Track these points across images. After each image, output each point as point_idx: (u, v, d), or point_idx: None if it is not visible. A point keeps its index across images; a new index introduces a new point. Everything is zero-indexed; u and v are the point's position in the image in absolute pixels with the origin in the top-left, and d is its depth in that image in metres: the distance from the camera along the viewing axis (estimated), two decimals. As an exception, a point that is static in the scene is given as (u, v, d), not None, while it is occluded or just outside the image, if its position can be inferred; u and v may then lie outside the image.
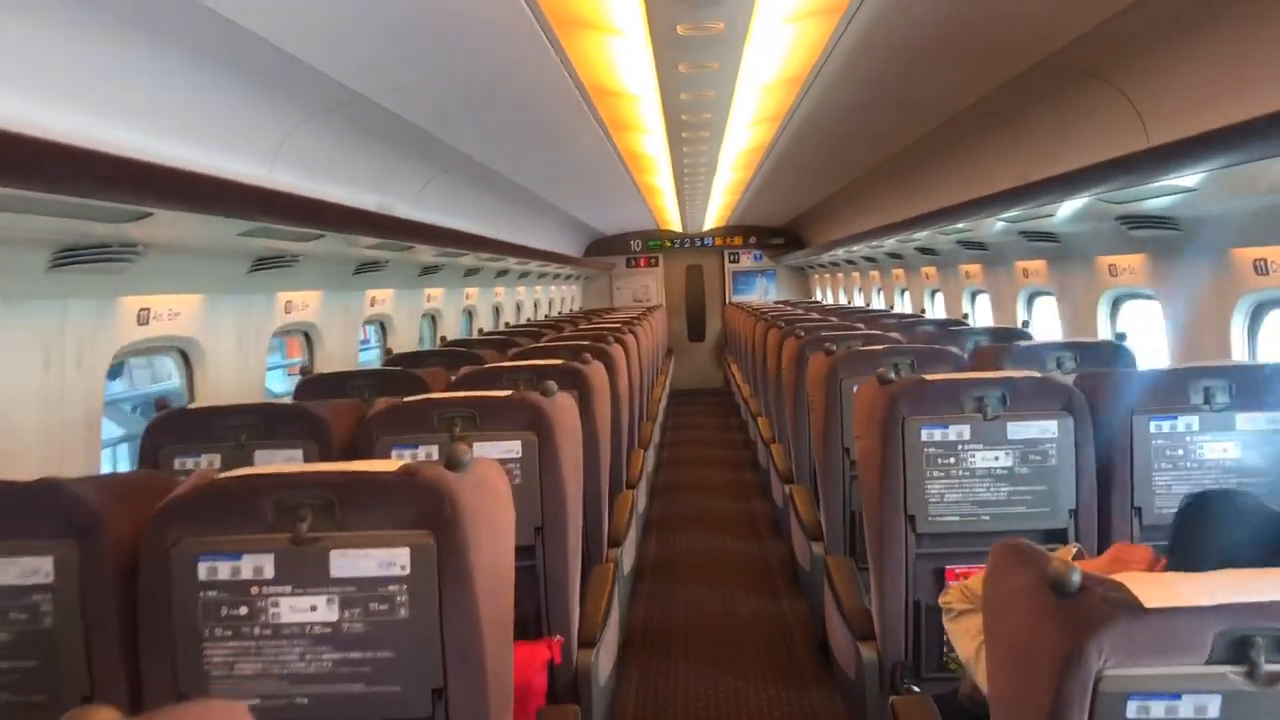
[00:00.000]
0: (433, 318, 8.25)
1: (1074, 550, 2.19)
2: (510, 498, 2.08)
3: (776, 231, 15.58)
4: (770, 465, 6.54)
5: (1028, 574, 1.52)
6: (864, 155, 6.64)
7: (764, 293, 16.03)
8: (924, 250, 7.58)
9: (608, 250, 15.75)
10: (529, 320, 11.79)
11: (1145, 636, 1.32)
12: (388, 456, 2.85)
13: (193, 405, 3.19)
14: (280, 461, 2.97)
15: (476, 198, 6.68)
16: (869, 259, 10.35)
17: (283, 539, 1.79)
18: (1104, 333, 4.99)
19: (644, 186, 8.85)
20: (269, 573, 1.78)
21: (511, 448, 2.87)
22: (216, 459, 2.97)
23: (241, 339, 4.34)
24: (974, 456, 2.89)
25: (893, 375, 3.04)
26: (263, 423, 3.00)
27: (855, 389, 3.26)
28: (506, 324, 10.80)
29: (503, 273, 9.50)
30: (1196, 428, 2.86)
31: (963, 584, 2.17)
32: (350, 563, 1.80)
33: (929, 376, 3.00)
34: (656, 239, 15.84)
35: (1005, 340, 4.88)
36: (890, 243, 7.75)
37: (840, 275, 13.77)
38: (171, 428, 3.02)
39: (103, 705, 0.84)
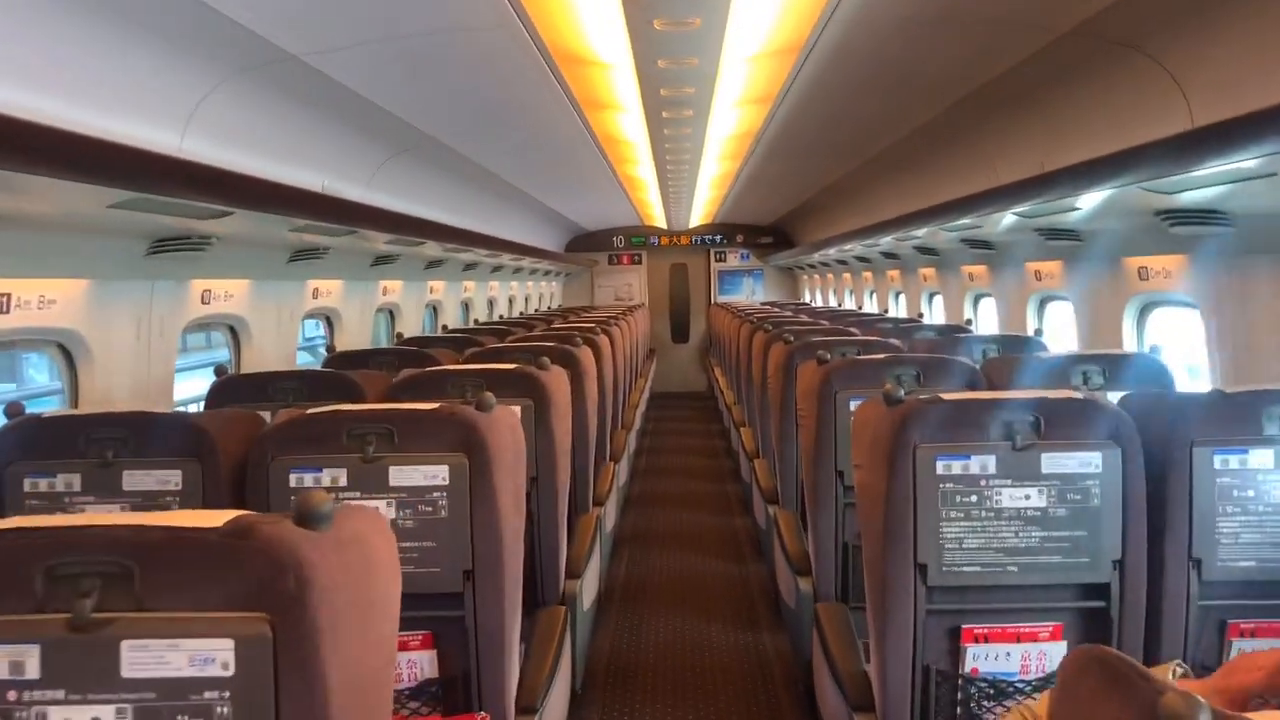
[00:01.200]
0: (390, 313, 7.64)
1: (1174, 669, 1.61)
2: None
3: (764, 230, 15.09)
4: (753, 481, 6.00)
5: (1125, 708, 1.01)
6: (863, 141, 6.07)
7: (751, 293, 15.50)
8: (923, 250, 7.02)
9: (589, 247, 15.22)
10: (501, 317, 11.13)
11: None
12: (285, 480, 2.33)
13: (49, 412, 2.63)
14: (154, 486, 2.44)
15: (441, 184, 6.18)
16: (862, 259, 9.78)
17: (57, 623, 1.26)
18: (1130, 344, 4.48)
19: (625, 178, 8.29)
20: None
21: (436, 473, 2.34)
22: (76, 479, 2.44)
23: (140, 332, 3.77)
24: (1000, 494, 2.37)
25: (901, 393, 2.51)
26: (134, 436, 2.46)
27: (853, 407, 2.93)
28: (476, 321, 10.15)
29: (471, 266, 8.82)
30: (1271, 464, 2.35)
31: (1024, 707, 1.65)
32: (150, 658, 1.26)
33: (946, 395, 2.48)
34: (640, 235, 15.27)
35: (1016, 349, 4.37)
36: (886, 241, 7.21)
37: (831, 276, 13.13)
38: (24, 439, 2.47)
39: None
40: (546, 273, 13.47)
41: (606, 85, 4.43)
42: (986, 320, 7.05)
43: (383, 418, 2.37)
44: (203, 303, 4.26)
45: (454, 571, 2.36)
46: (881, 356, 3.71)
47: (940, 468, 2.38)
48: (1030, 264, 5.59)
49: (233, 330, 4.86)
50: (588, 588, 4.13)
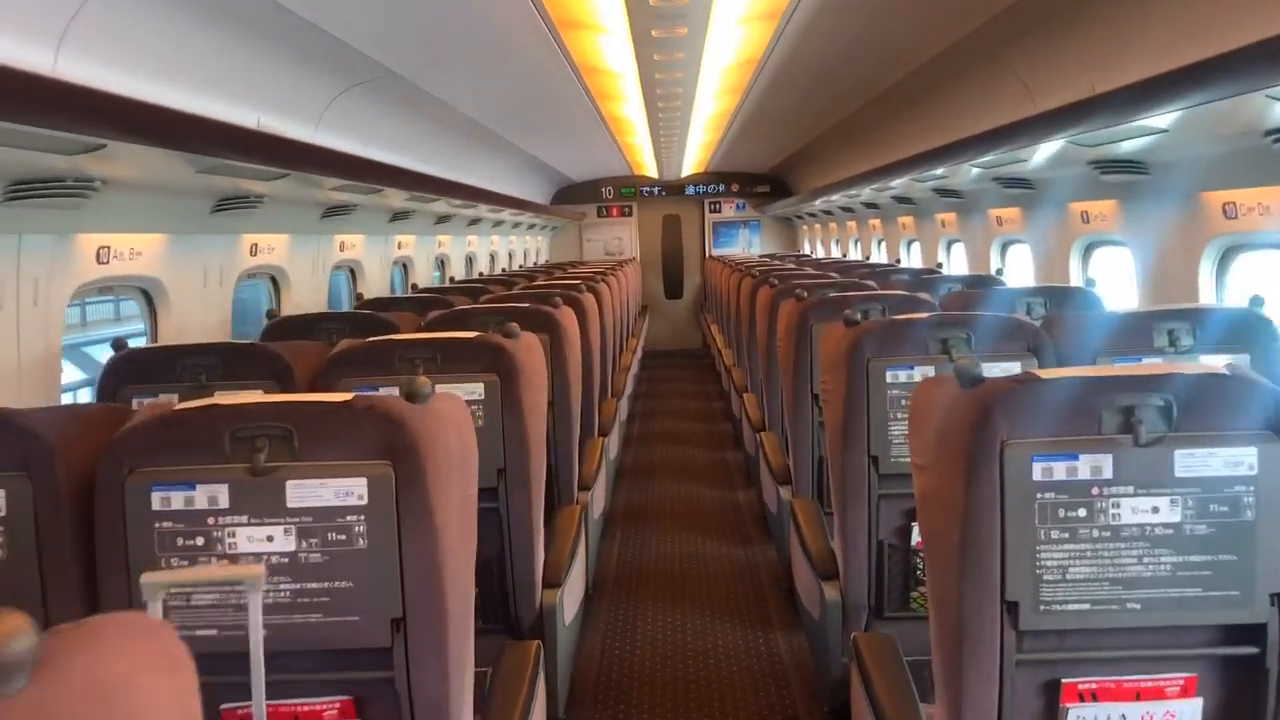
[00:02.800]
0: (351, 271, 6.95)
1: None
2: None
3: (761, 178, 14.43)
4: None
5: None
6: (877, 70, 5.54)
7: (747, 245, 14.93)
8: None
9: (577, 198, 14.52)
10: (480, 274, 10.25)
11: None
12: None
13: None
14: None
15: (403, 124, 5.61)
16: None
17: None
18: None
19: (611, 119, 7.75)
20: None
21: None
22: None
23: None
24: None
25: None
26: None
27: (891, 379, 2.91)
28: (451, 280, 9.30)
29: (445, 219, 8.12)
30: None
31: None
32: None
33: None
34: (630, 186, 14.65)
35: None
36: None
37: (834, 226, 12.41)
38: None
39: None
40: (531, 226, 12.80)
41: (587, 6, 4.12)
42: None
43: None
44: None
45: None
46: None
47: (889, 377, 2.91)
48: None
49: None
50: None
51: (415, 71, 4.72)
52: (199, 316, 4.26)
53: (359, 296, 6.03)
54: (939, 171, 5.53)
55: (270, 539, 1.79)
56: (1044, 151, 4.14)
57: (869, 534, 2.97)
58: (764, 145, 10.59)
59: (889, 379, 2.91)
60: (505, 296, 5.18)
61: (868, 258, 9.94)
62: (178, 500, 1.78)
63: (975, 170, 5.09)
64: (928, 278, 5.60)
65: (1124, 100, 3.03)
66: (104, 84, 2.52)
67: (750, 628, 4.35)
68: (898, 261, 8.76)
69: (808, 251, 13.93)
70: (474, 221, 9.21)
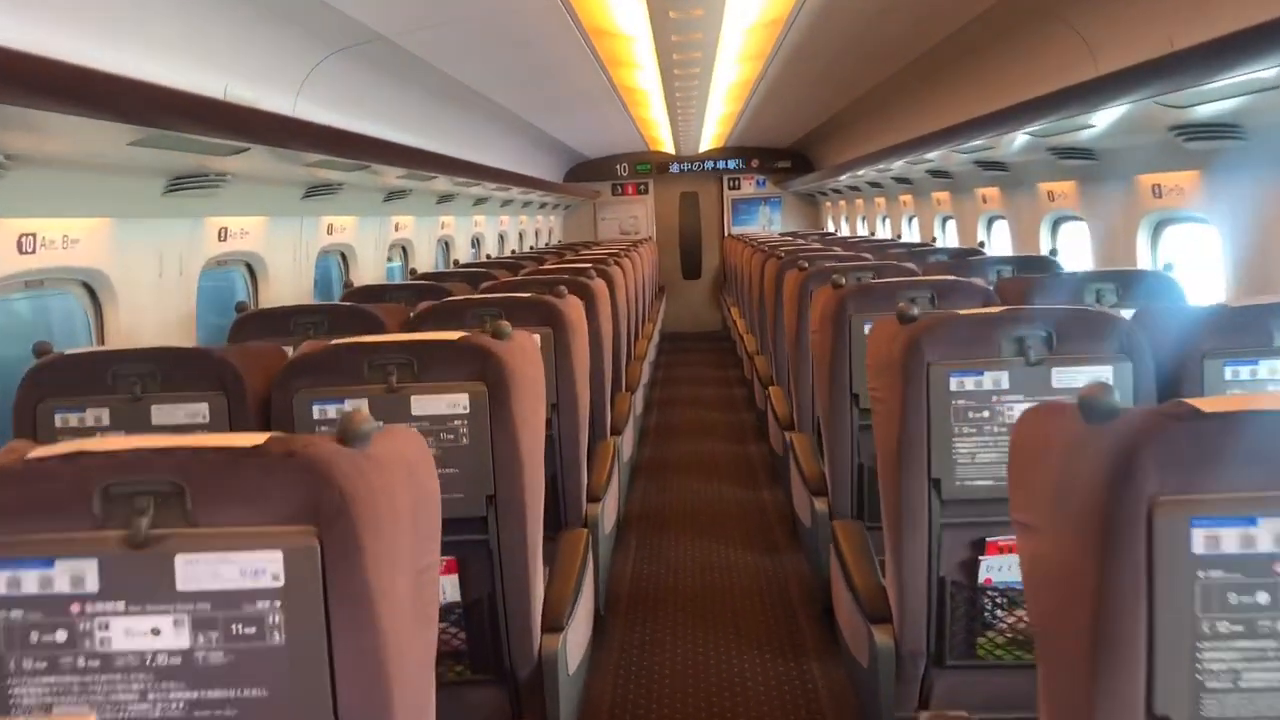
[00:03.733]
0: (343, 255, 6.45)
1: None
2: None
3: (782, 153, 13.77)
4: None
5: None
6: (899, 45, 5.32)
7: (768, 223, 14.28)
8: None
9: (591, 176, 13.94)
10: (488, 257, 9.72)
11: None
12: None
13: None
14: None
15: (396, 95, 5.15)
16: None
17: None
18: (1144, 263, 4.49)
19: (625, 90, 7.26)
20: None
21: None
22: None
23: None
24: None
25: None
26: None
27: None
28: (455, 263, 8.73)
29: (448, 197, 7.51)
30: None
31: None
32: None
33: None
34: (646, 163, 14.03)
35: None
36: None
37: (860, 202, 11.74)
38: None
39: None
40: (543, 205, 12.15)
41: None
42: (1000, 242, 7.01)
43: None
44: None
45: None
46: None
47: (953, 384, 2.43)
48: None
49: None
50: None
51: (407, 36, 4.29)
52: (156, 312, 3.79)
53: (348, 284, 5.56)
54: (980, 142, 4.90)
55: (156, 632, 1.32)
56: (1110, 116, 3.62)
57: (929, 569, 2.51)
58: (787, 117, 10.05)
59: (953, 386, 2.43)
60: (506, 284, 4.74)
61: (898, 236, 9.36)
62: (30, 583, 1.32)
63: (1023, 138, 4.55)
64: (973, 259, 5.10)
65: (1206, 56, 2.59)
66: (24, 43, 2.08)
67: (782, 656, 3.89)
68: (933, 240, 8.26)
69: (832, 229, 13.23)
70: (480, 201, 8.63)
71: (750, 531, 5.41)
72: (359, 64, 4.31)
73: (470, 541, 2.45)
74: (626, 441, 5.55)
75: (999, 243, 7.02)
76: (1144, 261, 4.47)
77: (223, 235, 4.29)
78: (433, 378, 2.40)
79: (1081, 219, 5.19)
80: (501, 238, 11.11)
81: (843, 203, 12.59)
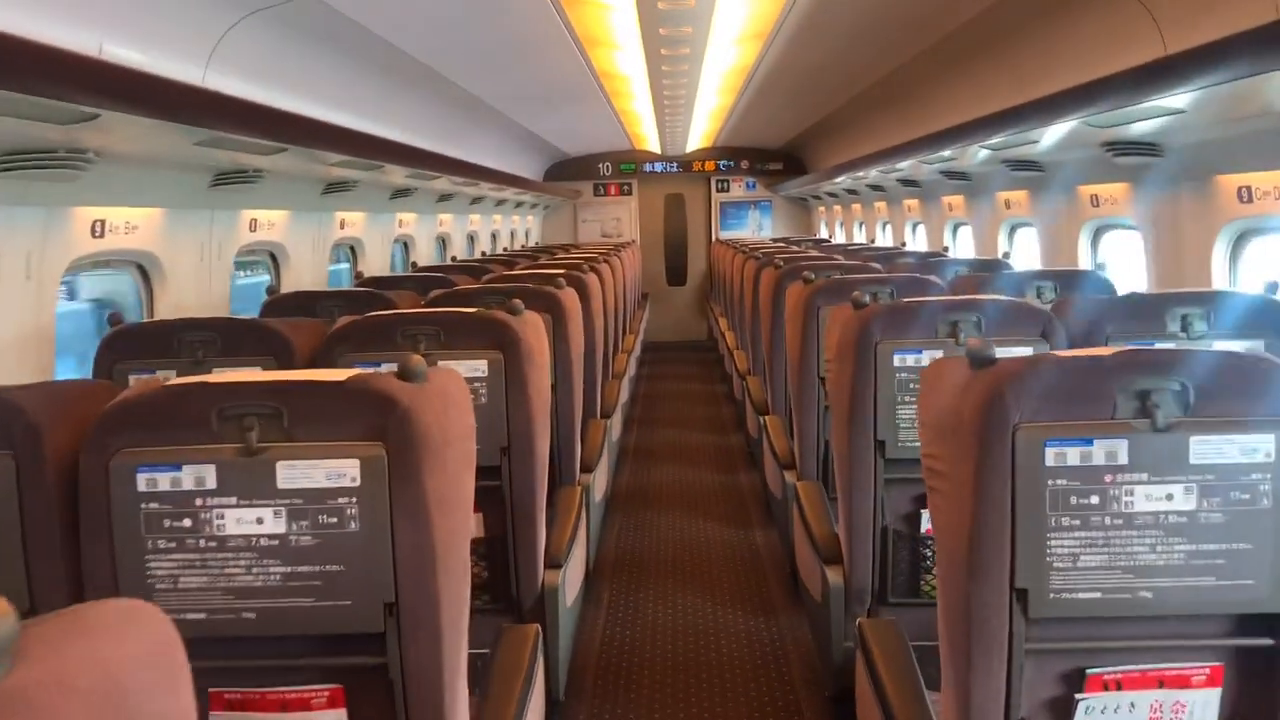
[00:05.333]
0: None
1: None
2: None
3: (773, 155, 13.19)
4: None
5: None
6: (897, 44, 5.09)
7: (757, 228, 13.60)
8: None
9: (572, 175, 13.21)
10: (454, 259, 8.80)
11: None
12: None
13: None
14: None
15: (333, 69, 4.43)
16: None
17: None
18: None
19: (606, 77, 6.56)
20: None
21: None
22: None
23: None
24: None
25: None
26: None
27: (898, 362, 2.89)
28: (413, 265, 7.89)
29: (404, 192, 6.64)
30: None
31: None
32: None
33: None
34: (630, 162, 13.35)
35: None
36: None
37: (857, 207, 11.01)
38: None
39: None
40: (519, 204, 11.51)
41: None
42: (966, 247, 7.43)
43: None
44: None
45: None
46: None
47: (897, 360, 2.86)
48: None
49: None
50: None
51: (363, 10, 3.82)
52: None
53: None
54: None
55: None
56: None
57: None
58: (779, 116, 9.50)
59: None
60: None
61: (903, 245, 8.75)
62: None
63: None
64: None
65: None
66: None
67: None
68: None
69: (825, 235, 12.58)
70: (444, 197, 8.04)
71: (739, 583, 4.68)
72: (284, 31, 3.70)
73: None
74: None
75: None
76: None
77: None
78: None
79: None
80: (471, 239, 10.45)
81: (837, 207, 12.02)
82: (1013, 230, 6.23)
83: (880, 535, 2.93)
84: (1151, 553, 1.74)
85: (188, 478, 1.73)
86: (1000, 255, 5.93)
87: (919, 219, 8.21)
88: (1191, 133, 3.46)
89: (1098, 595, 1.76)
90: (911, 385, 2.84)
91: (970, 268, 5.15)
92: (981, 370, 1.80)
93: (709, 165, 13.40)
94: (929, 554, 2.97)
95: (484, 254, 10.23)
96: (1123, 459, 1.73)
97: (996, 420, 1.73)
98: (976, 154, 5.16)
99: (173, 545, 1.74)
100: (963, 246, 7.47)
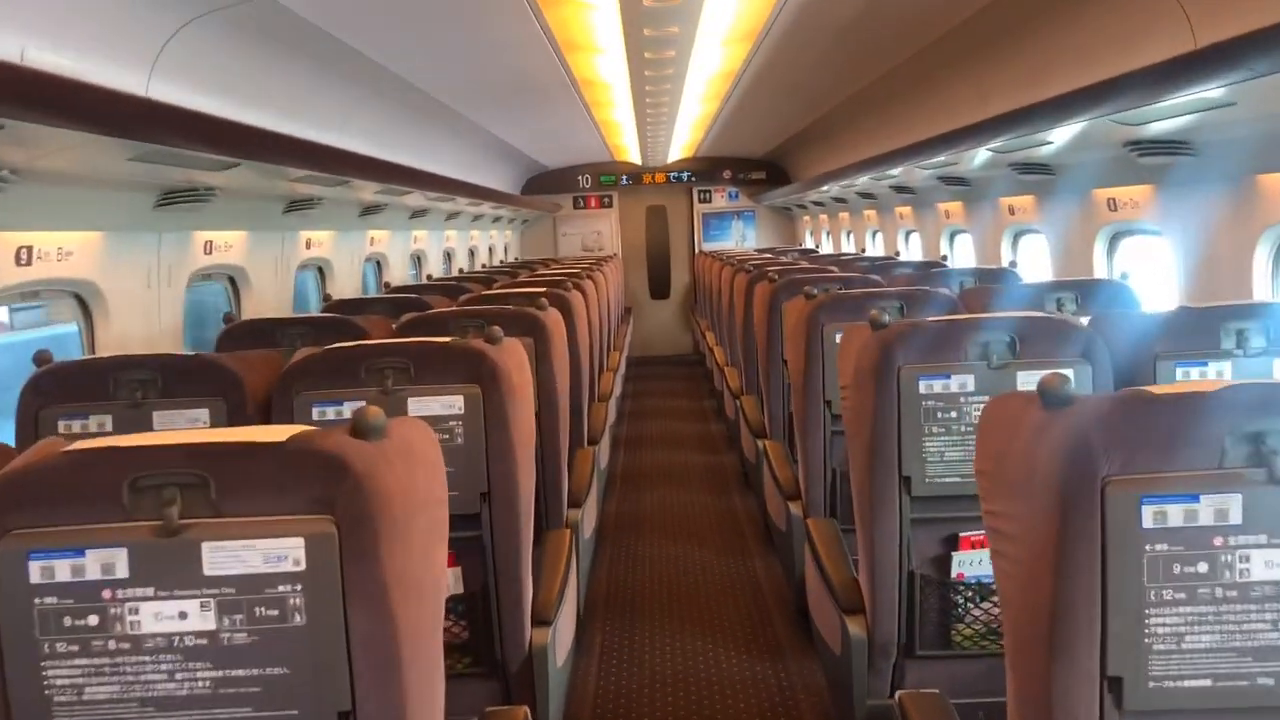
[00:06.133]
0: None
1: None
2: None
3: (756, 164, 12.94)
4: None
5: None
6: (886, 48, 4.91)
7: (741, 239, 13.39)
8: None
9: (551, 188, 12.95)
10: (429, 278, 8.33)
11: None
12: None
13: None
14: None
15: (294, 77, 4.09)
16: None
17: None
18: (1101, 272, 4.67)
19: (586, 84, 6.18)
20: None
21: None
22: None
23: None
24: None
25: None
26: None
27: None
28: (386, 286, 7.31)
29: (374, 209, 6.19)
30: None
31: None
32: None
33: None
34: (610, 174, 13.03)
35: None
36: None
37: (845, 216, 10.77)
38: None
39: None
40: (496, 219, 11.14)
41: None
42: (962, 255, 7.18)
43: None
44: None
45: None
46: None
47: (923, 387, 2.55)
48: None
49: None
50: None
51: (324, 12, 3.50)
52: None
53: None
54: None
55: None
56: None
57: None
58: (763, 124, 9.15)
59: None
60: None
61: (896, 254, 8.47)
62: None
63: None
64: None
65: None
66: None
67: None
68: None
69: (812, 246, 12.34)
70: (418, 213, 7.64)
71: (742, 621, 4.41)
72: (237, 32, 3.39)
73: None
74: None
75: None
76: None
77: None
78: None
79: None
80: (448, 255, 10.05)
81: (823, 216, 11.77)
82: (1017, 237, 5.94)
83: (906, 581, 2.62)
84: (1273, 630, 1.45)
85: (93, 564, 1.40)
86: (1006, 264, 5.66)
87: (913, 226, 7.91)
88: (1229, 129, 3.18)
89: (1208, 683, 1.47)
90: (939, 414, 2.55)
91: (975, 277, 4.88)
92: (1057, 411, 1.49)
93: (691, 176, 13.12)
94: (961, 601, 2.67)
95: (461, 271, 9.94)
96: (1235, 518, 1.44)
97: (1082, 473, 1.42)
98: (975, 158, 4.89)
99: (75, 649, 1.41)
100: (961, 255, 7.19)
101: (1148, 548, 1.44)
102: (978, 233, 6.49)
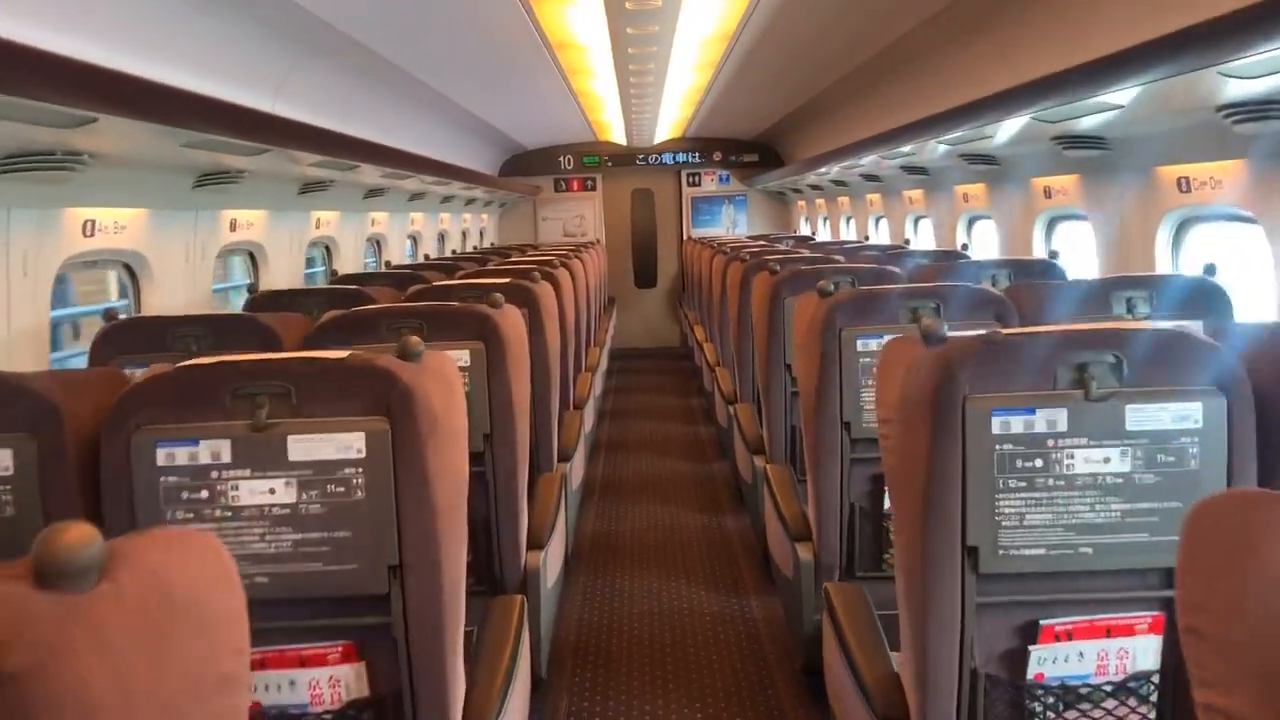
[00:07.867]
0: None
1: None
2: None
3: (748, 146, 12.23)
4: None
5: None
6: (882, 26, 4.70)
7: (731, 224, 12.66)
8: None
9: (531, 169, 12.25)
10: (388, 264, 7.86)
11: None
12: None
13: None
14: None
15: (254, 52, 3.92)
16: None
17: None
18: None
19: (564, 54, 5.74)
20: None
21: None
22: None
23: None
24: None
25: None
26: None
27: (861, 342, 2.96)
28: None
29: (317, 185, 5.49)
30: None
31: None
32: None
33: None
34: (593, 155, 12.31)
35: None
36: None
37: (844, 201, 9.98)
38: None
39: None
40: (470, 201, 10.44)
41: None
42: (926, 239, 7.56)
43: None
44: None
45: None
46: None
47: (860, 345, 3.00)
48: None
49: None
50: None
51: None
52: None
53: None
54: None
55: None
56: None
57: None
58: (758, 99, 8.50)
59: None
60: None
61: (906, 242, 7.78)
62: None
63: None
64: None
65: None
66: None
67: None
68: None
69: (807, 232, 11.49)
70: (374, 192, 6.74)
71: (712, 566, 4.61)
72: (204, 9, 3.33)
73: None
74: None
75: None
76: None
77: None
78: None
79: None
80: (414, 239, 9.25)
81: (820, 201, 11.02)
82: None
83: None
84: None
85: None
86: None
87: (924, 212, 7.47)
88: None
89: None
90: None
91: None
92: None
93: (679, 157, 12.44)
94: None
95: (454, 252, 9.89)
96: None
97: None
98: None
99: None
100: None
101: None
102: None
